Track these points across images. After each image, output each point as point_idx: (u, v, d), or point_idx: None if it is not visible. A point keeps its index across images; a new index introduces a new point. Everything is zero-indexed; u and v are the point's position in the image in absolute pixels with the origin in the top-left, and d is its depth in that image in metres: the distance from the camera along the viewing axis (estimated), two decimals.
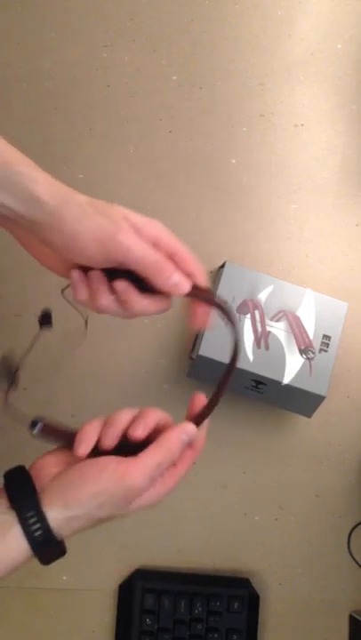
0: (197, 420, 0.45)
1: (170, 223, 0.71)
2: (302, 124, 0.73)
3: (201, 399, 0.46)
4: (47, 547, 0.39)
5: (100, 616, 0.66)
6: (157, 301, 0.43)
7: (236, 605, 0.65)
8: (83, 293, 0.43)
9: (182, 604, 0.64)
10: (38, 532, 0.38)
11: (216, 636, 0.64)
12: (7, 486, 0.40)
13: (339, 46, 0.74)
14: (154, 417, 0.43)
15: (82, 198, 0.40)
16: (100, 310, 0.43)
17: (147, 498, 0.41)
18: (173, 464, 0.43)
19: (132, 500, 0.40)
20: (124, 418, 0.43)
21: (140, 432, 0.42)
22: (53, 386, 0.69)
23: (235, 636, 0.64)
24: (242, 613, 0.65)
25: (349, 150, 0.74)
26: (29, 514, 0.38)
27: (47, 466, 0.43)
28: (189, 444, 0.44)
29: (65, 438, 0.44)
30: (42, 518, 0.38)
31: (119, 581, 0.66)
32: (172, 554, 0.68)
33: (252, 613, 0.66)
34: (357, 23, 0.75)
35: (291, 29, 0.74)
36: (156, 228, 0.42)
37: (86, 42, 0.72)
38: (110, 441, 0.42)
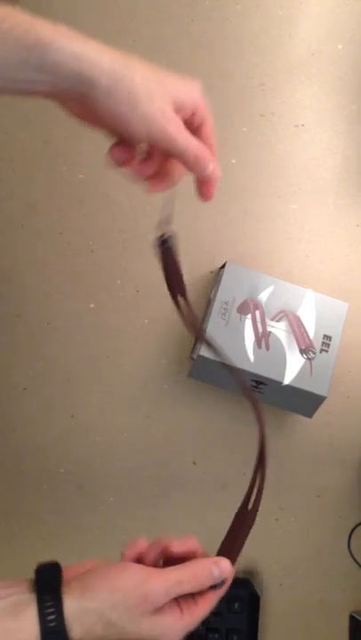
0: (230, 556, 0.45)
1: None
2: (303, 125, 0.73)
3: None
4: (56, 638, 0.38)
5: None
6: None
7: (236, 606, 0.65)
8: (120, 160, 0.43)
9: None
10: (52, 623, 0.38)
11: (217, 636, 0.64)
12: (37, 572, 0.41)
13: (339, 46, 0.74)
14: (192, 542, 0.45)
15: (136, 76, 0.38)
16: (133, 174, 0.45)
17: (159, 627, 0.40)
18: (194, 601, 0.42)
19: (146, 611, 0.39)
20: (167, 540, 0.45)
21: (176, 548, 0.44)
22: (54, 386, 0.68)
23: (235, 637, 0.64)
24: (242, 614, 0.65)
25: (350, 150, 0.74)
26: (48, 602, 0.38)
27: (82, 566, 0.43)
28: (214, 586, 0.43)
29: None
30: (59, 609, 0.38)
31: None
32: None
33: (252, 614, 0.66)
34: (358, 23, 0.75)
35: (292, 29, 0.74)
36: (194, 97, 0.43)
37: None
38: (152, 555, 0.44)
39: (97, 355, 0.69)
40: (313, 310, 0.63)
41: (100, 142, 0.72)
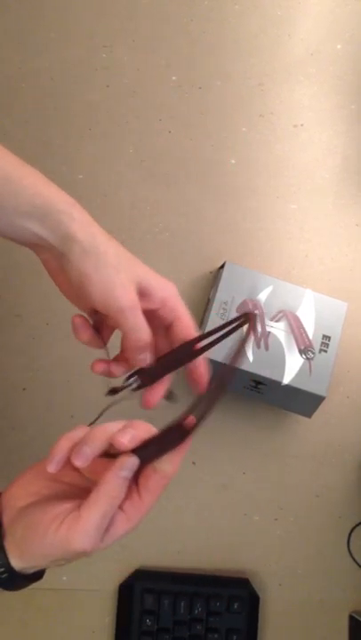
0: (144, 450, 0.39)
1: (169, 224, 0.71)
2: (302, 125, 0.73)
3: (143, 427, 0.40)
4: (14, 584, 0.39)
5: (100, 616, 0.66)
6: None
7: (235, 606, 0.65)
8: (84, 336, 0.47)
9: (182, 605, 0.64)
10: (4, 575, 0.38)
11: (216, 636, 0.64)
12: None
13: (338, 46, 0.74)
14: (144, 429, 0.40)
15: (111, 249, 0.42)
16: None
17: (110, 538, 0.39)
18: (139, 497, 0.40)
19: (87, 555, 0.38)
20: (107, 430, 0.39)
21: (126, 441, 0.38)
22: (53, 386, 0.69)
23: (235, 637, 0.64)
24: (242, 614, 0.65)
25: (349, 150, 0.74)
26: None
27: (16, 497, 0.41)
28: (157, 471, 0.40)
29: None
30: (6, 562, 0.38)
31: (119, 581, 0.66)
32: (171, 554, 0.68)
33: (251, 614, 0.66)
34: (357, 23, 0.75)
35: (290, 29, 0.74)
36: (166, 290, 0.45)
37: (86, 42, 0.72)
38: (83, 461, 0.38)
39: (97, 355, 0.69)
40: (312, 310, 0.63)
41: (99, 143, 0.72)
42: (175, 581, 0.66)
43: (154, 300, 0.44)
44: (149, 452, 0.39)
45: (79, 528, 0.36)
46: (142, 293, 0.44)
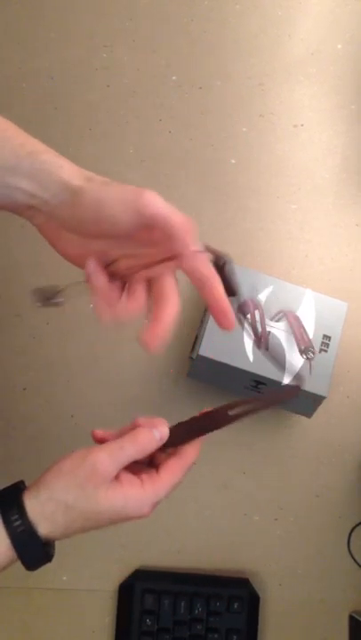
0: (183, 428, 0.45)
1: None
2: (302, 125, 0.73)
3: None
4: (29, 544, 0.40)
5: (100, 616, 0.66)
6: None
7: (236, 606, 0.65)
8: (99, 280, 0.41)
9: (182, 605, 0.64)
10: (20, 527, 0.39)
11: (216, 636, 0.64)
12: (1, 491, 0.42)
13: (339, 46, 0.74)
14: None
15: (105, 179, 0.40)
16: (110, 304, 0.42)
17: (118, 499, 0.41)
18: (156, 471, 0.43)
19: (99, 483, 0.40)
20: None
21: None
22: (53, 386, 0.69)
23: (235, 637, 0.64)
24: (242, 614, 0.65)
25: (349, 150, 0.74)
26: (11, 509, 0.40)
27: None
28: (178, 450, 0.45)
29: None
30: (21, 511, 0.39)
31: (119, 581, 0.66)
32: (171, 554, 0.68)
33: (252, 614, 0.66)
34: (358, 23, 0.75)
35: (291, 29, 0.74)
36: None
37: (86, 42, 0.72)
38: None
39: (97, 355, 0.69)
40: (312, 310, 0.63)
41: (99, 143, 0.72)
42: (175, 581, 0.66)
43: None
44: (179, 433, 0.44)
45: (98, 447, 0.41)
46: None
